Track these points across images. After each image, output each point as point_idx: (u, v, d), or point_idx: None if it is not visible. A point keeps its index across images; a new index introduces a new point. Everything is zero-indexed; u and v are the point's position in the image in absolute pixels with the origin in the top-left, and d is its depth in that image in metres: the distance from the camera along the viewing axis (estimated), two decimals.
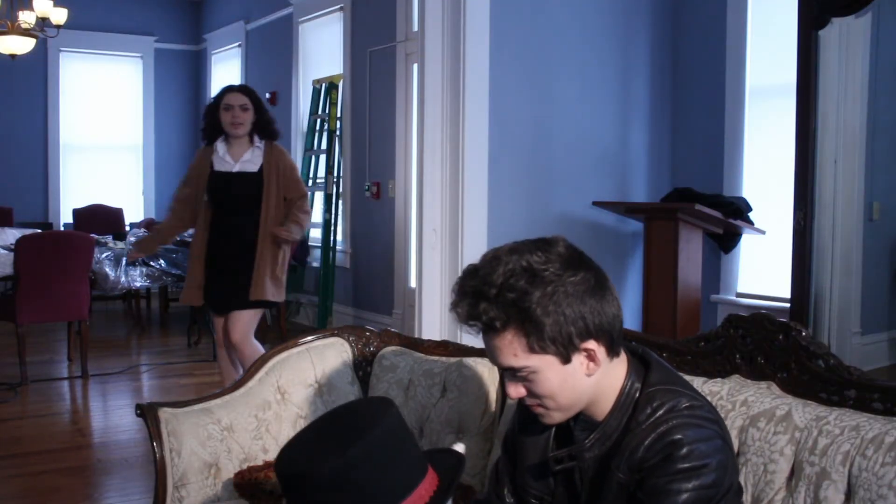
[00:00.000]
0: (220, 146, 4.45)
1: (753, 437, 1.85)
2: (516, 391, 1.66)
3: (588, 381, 1.64)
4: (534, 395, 1.66)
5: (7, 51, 7.97)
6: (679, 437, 1.56)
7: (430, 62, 4.36)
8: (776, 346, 1.97)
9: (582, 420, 1.71)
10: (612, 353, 1.65)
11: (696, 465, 1.54)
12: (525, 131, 4.63)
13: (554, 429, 1.77)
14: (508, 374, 1.66)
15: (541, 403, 1.66)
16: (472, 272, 1.63)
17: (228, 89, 4.48)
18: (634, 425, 1.61)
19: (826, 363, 1.89)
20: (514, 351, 1.61)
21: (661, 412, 1.60)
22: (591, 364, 1.63)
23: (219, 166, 4.44)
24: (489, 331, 1.62)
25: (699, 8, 5.08)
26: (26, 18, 7.92)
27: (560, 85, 4.76)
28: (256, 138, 4.46)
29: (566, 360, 1.61)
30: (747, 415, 1.89)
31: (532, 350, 1.59)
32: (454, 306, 1.64)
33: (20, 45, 7.92)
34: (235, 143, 4.44)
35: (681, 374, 1.78)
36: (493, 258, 1.62)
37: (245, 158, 4.44)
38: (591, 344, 1.61)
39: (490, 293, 1.58)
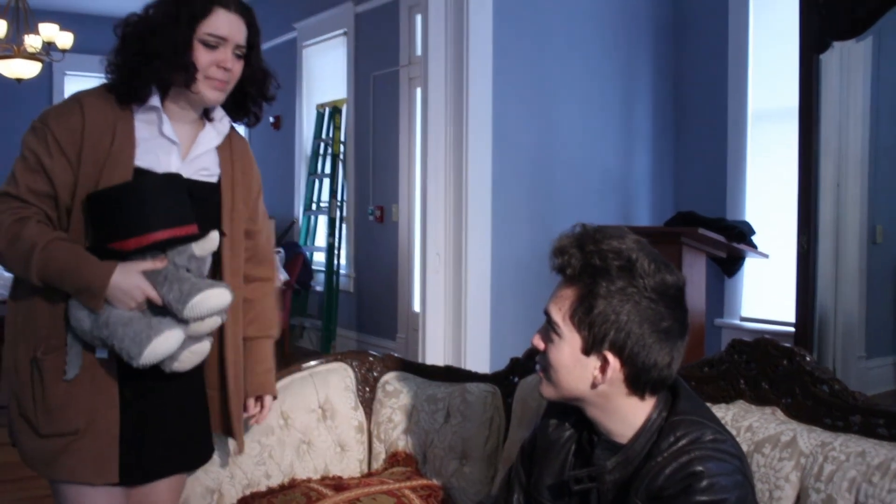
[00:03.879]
0: (154, 114, 2.13)
1: (759, 462, 1.85)
2: (537, 342, 1.71)
3: (588, 387, 1.64)
4: (545, 357, 1.69)
5: (13, 75, 8.01)
6: (700, 469, 1.55)
7: (433, 86, 4.38)
8: (780, 372, 1.97)
9: (604, 441, 1.71)
10: (633, 389, 1.65)
11: (715, 500, 1.53)
12: (528, 155, 4.64)
13: (574, 446, 1.77)
14: (545, 323, 1.70)
15: (545, 368, 1.70)
16: (602, 228, 1.68)
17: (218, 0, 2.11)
18: (656, 452, 1.61)
19: (831, 388, 1.89)
20: (561, 306, 1.65)
21: (683, 442, 1.60)
22: (599, 374, 1.63)
23: (147, 158, 2.11)
24: (560, 273, 1.67)
25: (701, 32, 5.10)
26: (32, 42, 7.96)
27: (563, 109, 4.77)
28: (219, 110, 2.26)
29: (586, 351, 1.63)
30: (752, 440, 1.88)
31: (572, 317, 1.63)
32: (561, 237, 1.69)
33: (26, 69, 7.96)
34: (186, 113, 2.19)
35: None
36: (625, 233, 1.66)
37: (200, 150, 2.21)
38: (613, 360, 1.61)
39: (588, 247, 1.63)
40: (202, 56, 2.09)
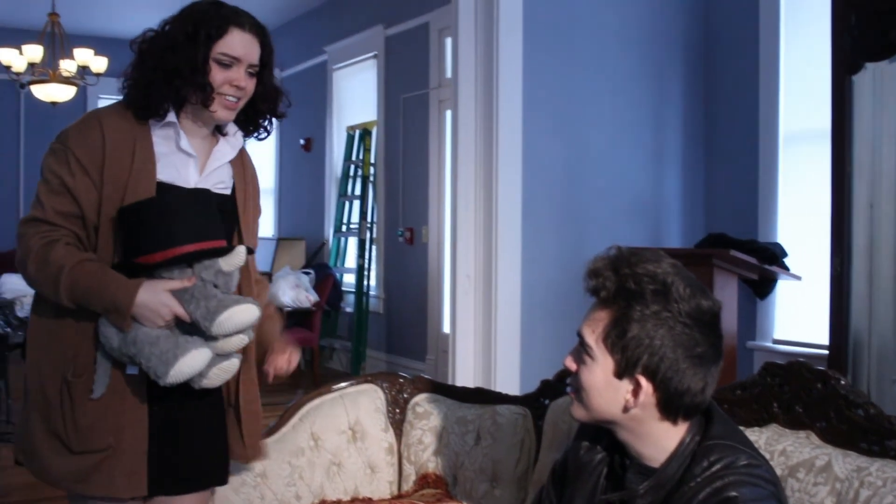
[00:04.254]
0: (171, 129, 2.16)
1: (793, 487, 1.83)
2: (570, 363, 1.71)
3: (619, 410, 1.64)
4: (577, 379, 1.68)
5: (48, 98, 8.13)
6: (734, 494, 1.54)
7: (463, 109, 4.39)
8: (814, 395, 1.95)
9: (636, 464, 1.69)
10: (666, 414, 1.64)
11: None
12: (558, 177, 4.63)
13: (605, 469, 1.76)
14: (578, 344, 1.69)
15: (577, 389, 1.69)
16: (637, 251, 1.67)
17: (232, 19, 2.15)
18: (689, 477, 1.59)
19: (866, 412, 1.87)
20: (595, 328, 1.65)
21: (717, 467, 1.58)
22: (632, 398, 1.62)
23: (168, 172, 2.15)
24: (594, 295, 1.67)
25: (732, 53, 5.09)
26: (67, 67, 8.08)
27: (593, 131, 4.77)
28: (232, 125, 2.29)
29: (619, 375, 1.62)
30: (786, 465, 1.87)
31: (605, 340, 1.63)
32: (596, 258, 1.69)
33: (61, 93, 8.07)
34: (199, 128, 2.22)
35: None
36: (661, 256, 1.66)
37: (216, 164, 2.25)
38: (646, 384, 1.60)
39: (623, 270, 1.63)
40: (216, 74, 2.12)
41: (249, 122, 2.32)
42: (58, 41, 7.96)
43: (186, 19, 2.14)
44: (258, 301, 2.13)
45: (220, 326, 1.98)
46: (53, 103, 8.14)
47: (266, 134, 2.37)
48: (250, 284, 2.29)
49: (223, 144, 2.26)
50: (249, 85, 2.19)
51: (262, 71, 2.23)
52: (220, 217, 2.15)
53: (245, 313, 2.00)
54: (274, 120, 2.36)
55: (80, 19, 8.65)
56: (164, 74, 2.10)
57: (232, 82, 2.14)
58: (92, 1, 8.87)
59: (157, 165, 2.12)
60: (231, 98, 2.16)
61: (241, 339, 2.06)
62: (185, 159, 2.18)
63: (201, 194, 2.15)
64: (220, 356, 2.06)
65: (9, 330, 6.28)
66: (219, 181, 2.24)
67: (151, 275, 2.03)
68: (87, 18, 9.40)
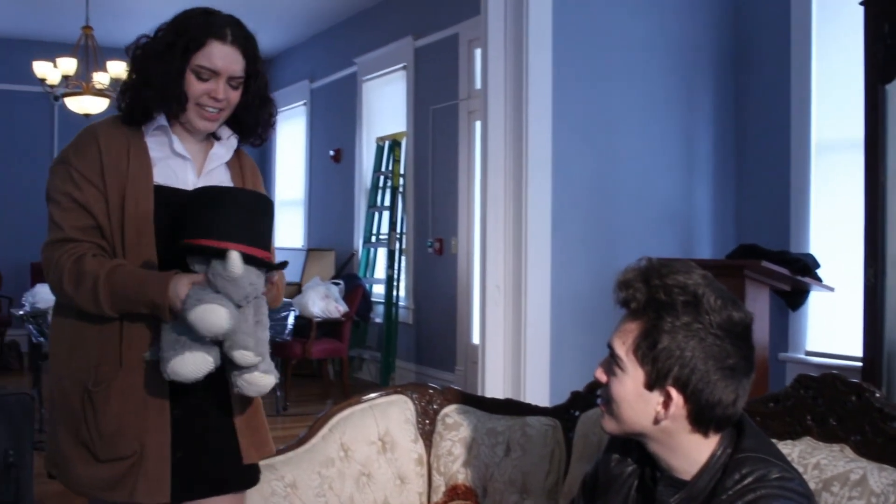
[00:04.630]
0: (163, 134, 2.20)
1: (827, 501, 1.81)
2: (600, 375, 1.69)
3: (650, 422, 1.63)
4: (607, 391, 1.67)
5: (81, 110, 8.22)
6: None
7: (492, 119, 4.40)
8: (849, 408, 1.93)
9: (667, 477, 1.68)
10: (697, 426, 1.62)
11: None
12: (588, 188, 4.62)
13: (636, 482, 1.75)
14: (608, 357, 1.68)
15: (607, 401, 1.68)
16: (667, 262, 1.67)
17: (212, 31, 2.13)
18: (721, 490, 1.58)
19: None
20: (625, 339, 1.64)
21: (749, 480, 1.57)
22: (662, 410, 1.61)
23: (165, 175, 2.18)
24: (624, 306, 1.66)
25: (763, 63, 5.06)
26: (100, 79, 8.17)
27: (622, 141, 4.76)
28: (225, 129, 2.29)
29: (650, 386, 1.61)
30: (820, 478, 1.85)
31: (635, 351, 1.62)
32: (626, 270, 1.68)
33: (94, 105, 8.16)
34: (189, 132, 2.22)
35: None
36: (692, 268, 1.65)
37: (213, 165, 2.27)
38: (676, 396, 1.59)
39: (654, 281, 1.62)
40: (194, 86, 2.12)
41: (239, 130, 2.31)
42: (91, 54, 8.05)
43: (171, 28, 2.15)
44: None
45: (193, 324, 1.94)
46: (86, 115, 8.22)
47: (260, 141, 2.35)
48: None
49: (218, 147, 2.27)
50: (232, 96, 2.18)
51: (248, 81, 2.21)
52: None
53: (210, 314, 1.94)
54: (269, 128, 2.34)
55: (113, 32, 8.73)
56: (142, 83, 2.13)
57: (211, 94, 2.14)
58: (125, 14, 8.97)
59: (153, 169, 2.14)
60: (211, 109, 2.16)
61: (245, 356, 2.02)
62: (181, 163, 2.20)
63: (266, 200, 2.15)
64: (250, 369, 2.06)
65: (42, 339, 6.34)
66: (217, 182, 2.25)
67: (186, 265, 2.03)
68: (120, 31, 9.47)
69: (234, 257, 1.97)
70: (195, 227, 2.03)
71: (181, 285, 2.00)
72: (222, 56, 2.12)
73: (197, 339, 1.99)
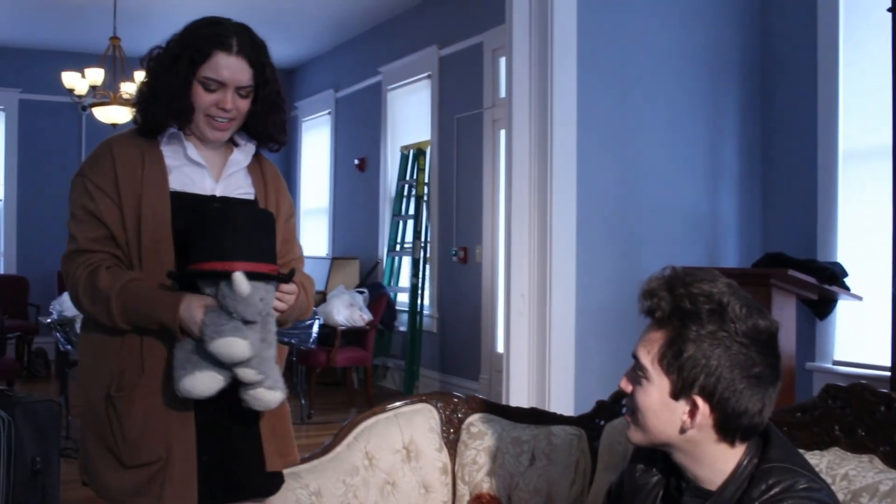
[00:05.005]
0: (177, 142, 2.22)
1: None
2: (625, 385, 1.69)
3: (676, 432, 1.62)
4: (632, 400, 1.67)
5: (109, 120, 8.29)
6: None
7: (517, 128, 4.40)
8: (878, 418, 1.91)
9: (693, 487, 1.67)
10: (723, 435, 1.62)
11: None
12: (613, 196, 4.61)
13: (661, 492, 1.74)
14: (633, 366, 1.68)
15: (632, 411, 1.67)
16: (692, 270, 1.67)
17: (217, 42, 2.14)
18: (747, 501, 1.57)
19: None
20: (650, 349, 1.63)
21: (776, 490, 1.56)
22: (688, 419, 1.60)
23: (181, 181, 2.21)
24: (649, 315, 1.66)
25: (789, 70, 5.03)
26: (127, 89, 8.24)
27: (648, 149, 4.74)
28: (243, 136, 2.31)
29: (675, 395, 1.60)
30: (849, 489, 1.83)
31: (660, 361, 1.61)
32: (650, 279, 1.68)
33: (121, 115, 8.23)
34: (206, 140, 2.23)
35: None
36: (716, 276, 1.65)
37: (232, 170, 2.28)
38: (703, 405, 1.58)
39: (678, 290, 1.62)
40: (202, 97, 2.14)
41: (255, 137, 2.31)
42: (118, 64, 8.13)
43: (179, 40, 2.17)
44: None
45: (215, 353, 2.00)
46: (114, 125, 8.29)
47: (278, 146, 2.35)
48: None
49: (237, 153, 2.28)
50: (241, 105, 2.19)
51: (258, 89, 2.21)
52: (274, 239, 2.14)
53: (231, 347, 1.99)
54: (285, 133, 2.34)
55: (140, 42, 8.76)
56: (152, 95, 2.16)
57: (219, 105, 2.15)
58: (152, 24, 9.04)
59: (168, 176, 2.16)
60: (220, 120, 2.17)
61: (246, 373, 2.05)
62: (197, 169, 2.21)
63: (265, 214, 2.16)
64: (255, 385, 2.07)
65: (69, 347, 6.38)
66: (238, 187, 2.27)
67: (196, 284, 2.06)
68: (147, 42, 9.47)
69: (239, 278, 1.99)
70: (198, 253, 2.06)
71: (195, 309, 2.02)
72: (228, 67, 2.14)
73: (207, 358, 2.03)
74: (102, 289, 2.07)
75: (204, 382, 2.03)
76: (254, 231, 2.09)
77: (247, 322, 2.03)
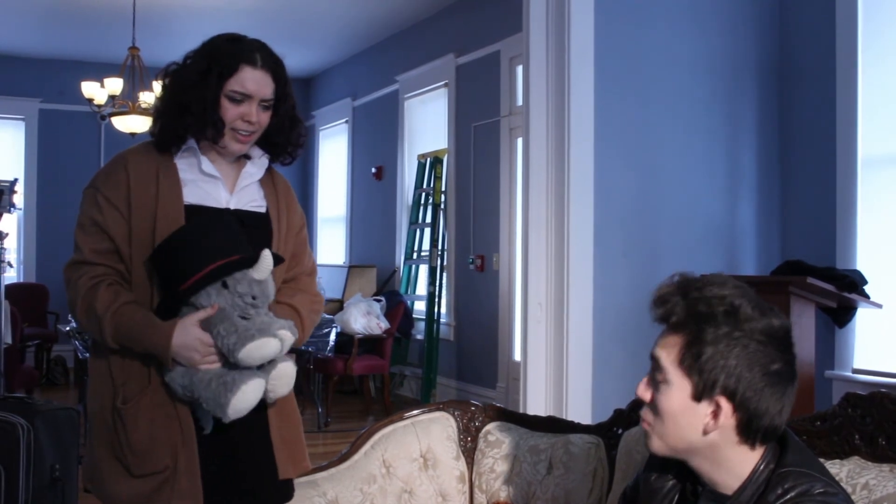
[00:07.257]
0: (192, 155, 2.25)
1: None
2: (643, 392, 1.68)
3: (699, 435, 1.61)
4: (653, 407, 1.66)
5: (128, 129, 8.34)
6: None
7: (534, 136, 4.40)
8: None
9: (708, 492, 1.67)
10: (745, 437, 1.61)
11: None
12: (630, 204, 4.60)
13: (677, 496, 1.74)
14: (651, 372, 1.68)
15: (653, 418, 1.67)
16: (700, 276, 1.68)
17: (243, 56, 2.20)
18: None
19: None
20: (669, 353, 1.63)
21: (792, 494, 1.55)
22: (711, 422, 1.60)
23: (196, 194, 2.24)
24: (664, 322, 1.66)
25: (808, 77, 5.02)
26: (146, 99, 8.29)
27: (665, 157, 4.73)
28: (256, 149, 2.34)
29: (697, 398, 1.60)
30: (869, 499, 1.81)
31: (680, 364, 1.61)
32: (661, 286, 1.69)
33: (140, 124, 8.28)
34: (220, 154, 2.28)
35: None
36: (726, 279, 1.66)
37: (245, 183, 2.32)
38: (725, 405, 1.58)
39: (693, 294, 1.63)
40: (228, 110, 2.19)
41: (270, 151, 2.35)
42: (137, 74, 8.18)
43: (201, 56, 2.21)
44: (292, 300, 2.28)
45: (245, 361, 2.02)
46: (132, 134, 8.34)
47: (290, 160, 2.40)
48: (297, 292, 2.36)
49: (250, 166, 2.32)
50: (263, 118, 2.24)
51: (278, 104, 2.27)
52: (247, 232, 2.18)
53: (262, 349, 2.02)
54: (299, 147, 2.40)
55: (159, 53, 8.82)
56: (178, 110, 2.19)
57: (244, 117, 2.20)
58: (171, 35, 9.10)
59: (183, 189, 2.19)
60: (244, 132, 2.22)
61: (286, 335, 2.09)
62: (212, 181, 2.25)
63: (220, 213, 2.21)
64: (270, 364, 2.09)
65: (88, 355, 6.41)
66: (251, 200, 2.31)
67: (189, 302, 2.08)
68: (165, 52, 9.58)
69: (267, 255, 2.06)
70: (193, 263, 2.07)
71: (191, 331, 2.04)
72: (254, 80, 2.19)
73: (235, 367, 2.04)
74: (97, 308, 2.10)
75: (254, 391, 2.04)
76: (233, 227, 2.16)
77: (255, 308, 2.07)
